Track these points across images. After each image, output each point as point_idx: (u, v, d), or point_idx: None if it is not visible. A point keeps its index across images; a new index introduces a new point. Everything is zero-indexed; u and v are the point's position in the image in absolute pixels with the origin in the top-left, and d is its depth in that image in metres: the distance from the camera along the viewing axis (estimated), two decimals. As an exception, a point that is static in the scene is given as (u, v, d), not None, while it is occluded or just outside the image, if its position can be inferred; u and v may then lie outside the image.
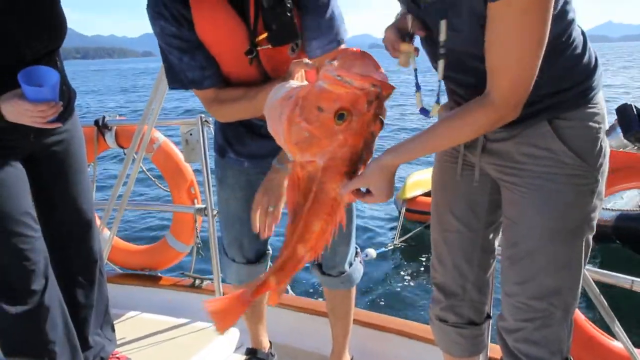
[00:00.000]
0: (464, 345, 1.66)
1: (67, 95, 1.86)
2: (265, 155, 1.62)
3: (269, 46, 1.45)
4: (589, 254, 1.40)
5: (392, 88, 1.07)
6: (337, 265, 1.86)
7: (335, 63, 1.06)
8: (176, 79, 1.54)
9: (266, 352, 2.10)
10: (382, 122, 1.10)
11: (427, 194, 7.17)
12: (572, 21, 1.23)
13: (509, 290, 1.42)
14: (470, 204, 1.51)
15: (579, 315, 1.91)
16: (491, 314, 1.74)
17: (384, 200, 1.21)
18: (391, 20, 1.40)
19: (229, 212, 1.81)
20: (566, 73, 1.26)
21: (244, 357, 2.06)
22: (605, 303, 1.89)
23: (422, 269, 6.39)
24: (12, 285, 1.74)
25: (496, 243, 1.59)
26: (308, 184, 1.15)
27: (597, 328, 2.21)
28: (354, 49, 1.08)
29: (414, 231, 6.85)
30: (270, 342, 2.15)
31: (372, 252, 6.20)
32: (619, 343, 1.96)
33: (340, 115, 1.05)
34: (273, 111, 1.13)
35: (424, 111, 1.34)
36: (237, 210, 1.77)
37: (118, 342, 2.22)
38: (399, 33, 1.32)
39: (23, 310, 1.76)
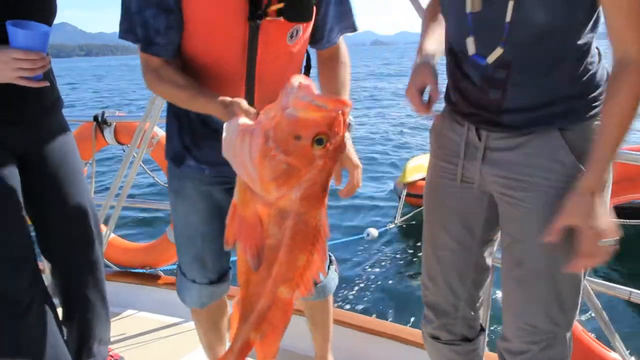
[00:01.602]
0: None
1: (55, 88, 1.79)
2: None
3: (280, 19, 1.35)
4: None
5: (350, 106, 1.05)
6: None
7: (300, 89, 1.01)
8: (129, 29, 1.37)
9: None
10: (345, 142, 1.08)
11: None
12: (596, 32, 1.21)
13: (515, 311, 1.37)
14: (465, 222, 1.45)
15: (577, 326, 1.89)
16: (485, 327, 1.70)
17: (610, 235, 1.18)
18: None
19: (189, 227, 1.63)
20: (586, 77, 1.23)
21: None
22: (606, 316, 1.87)
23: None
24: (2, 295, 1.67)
25: (489, 260, 1.53)
26: (278, 221, 1.06)
27: (595, 340, 2.18)
28: (304, 77, 1.04)
29: (415, 211, 6.89)
30: None
31: (373, 232, 6.25)
32: (617, 355, 1.95)
33: (319, 140, 1.00)
34: (237, 151, 1.04)
35: (479, 57, 1.25)
36: (198, 225, 1.60)
37: (114, 340, 2.20)
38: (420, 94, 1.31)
39: (11, 317, 1.70)
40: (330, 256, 1.84)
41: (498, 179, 1.32)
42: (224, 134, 1.08)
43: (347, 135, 1.19)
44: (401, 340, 2.18)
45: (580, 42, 1.19)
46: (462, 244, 1.47)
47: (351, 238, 6.47)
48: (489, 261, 1.53)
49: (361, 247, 6.52)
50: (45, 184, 1.78)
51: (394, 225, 6.93)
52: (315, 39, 1.52)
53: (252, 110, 1.15)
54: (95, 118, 2.94)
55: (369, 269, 6.07)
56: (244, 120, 1.09)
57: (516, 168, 1.28)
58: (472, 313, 1.57)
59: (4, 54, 1.44)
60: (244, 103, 1.17)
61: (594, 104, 1.24)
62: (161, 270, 3.00)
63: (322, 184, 1.06)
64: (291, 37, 1.41)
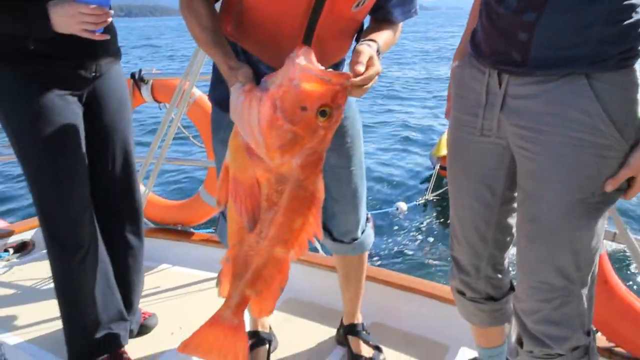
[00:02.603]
0: (483, 317, 1.63)
1: (116, 39, 1.85)
2: None
3: None
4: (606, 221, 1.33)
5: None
6: (350, 232, 1.83)
7: (304, 59, 1.07)
8: None
9: (268, 332, 2.07)
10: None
11: None
12: None
13: (527, 269, 1.35)
14: (485, 179, 1.42)
15: (618, 285, 1.85)
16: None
17: None
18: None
19: None
20: (626, 23, 1.15)
21: (248, 340, 2.04)
22: None
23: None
24: (59, 237, 1.77)
25: (513, 220, 1.49)
26: (277, 185, 1.12)
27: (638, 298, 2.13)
28: (306, 51, 1.09)
29: (446, 187, 6.81)
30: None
31: (402, 206, 6.25)
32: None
33: (322, 112, 1.07)
34: (245, 118, 1.11)
35: None
36: None
37: (148, 293, 2.26)
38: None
39: (73, 262, 1.79)
40: (367, 214, 1.89)
41: (516, 129, 1.28)
42: (231, 97, 1.16)
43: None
44: (433, 297, 2.21)
45: None
46: (482, 202, 1.45)
47: (380, 211, 6.46)
48: (512, 221, 1.49)
49: (390, 220, 6.51)
50: (102, 129, 1.84)
51: (424, 200, 6.90)
52: (376, 9, 1.51)
53: (253, 82, 1.20)
54: (133, 76, 2.98)
55: (396, 243, 6.08)
56: (243, 87, 1.16)
57: (536, 117, 1.24)
58: (497, 274, 1.55)
59: (71, 8, 1.52)
60: (248, 73, 1.22)
61: (629, 54, 1.17)
62: (193, 229, 3.07)
63: (320, 153, 1.13)
64: (357, 5, 1.40)
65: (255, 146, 1.10)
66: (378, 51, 1.35)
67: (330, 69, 1.10)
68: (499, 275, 1.56)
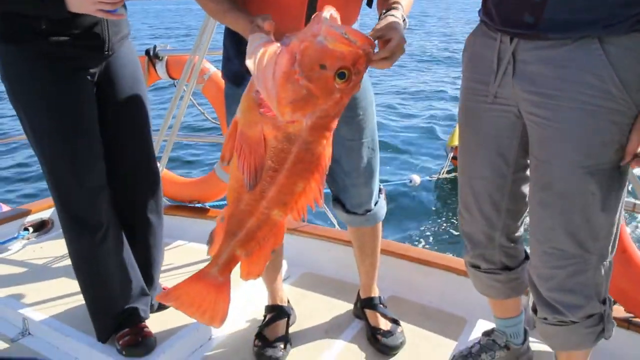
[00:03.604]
0: (500, 288, 1.64)
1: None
2: None
3: None
4: (625, 193, 1.32)
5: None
6: (363, 204, 1.84)
7: (328, 21, 1.03)
8: None
9: (287, 305, 2.09)
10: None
11: None
12: None
13: (540, 235, 1.35)
14: (498, 148, 1.42)
15: (637, 254, 1.83)
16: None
17: None
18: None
19: None
20: None
21: (266, 314, 2.06)
22: None
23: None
24: (79, 216, 1.78)
25: (526, 189, 1.49)
26: (284, 144, 1.08)
27: None
28: (333, 12, 1.05)
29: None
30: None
31: (416, 178, 6.28)
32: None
33: (341, 74, 1.03)
34: (263, 67, 1.05)
35: None
36: None
37: (165, 270, 2.28)
38: None
39: (93, 241, 1.81)
40: (380, 186, 1.88)
41: (527, 95, 1.27)
42: (248, 46, 1.10)
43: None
44: (450, 270, 2.21)
45: None
46: (496, 171, 1.44)
47: (394, 182, 6.48)
48: (525, 190, 1.48)
49: (402, 192, 6.57)
50: (116, 107, 1.83)
51: (437, 177, 6.91)
52: None
53: (273, 25, 1.16)
54: (147, 52, 2.96)
55: (408, 215, 6.15)
56: (270, 37, 1.11)
57: (547, 82, 1.23)
58: (511, 243, 1.56)
59: None
60: (268, 16, 1.18)
61: None
62: (209, 205, 3.08)
63: (332, 117, 1.08)
64: None
65: (267, 98, 1.06)
66: (404, 19, 1.32)
67: (358, 31, 1.06)
68: (513, 244, 1.57)
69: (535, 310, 1.46)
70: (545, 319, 1.41)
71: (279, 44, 1.07)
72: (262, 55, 1.06)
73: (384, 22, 1.26)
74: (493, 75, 1.33)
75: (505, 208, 1.49)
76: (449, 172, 6.96)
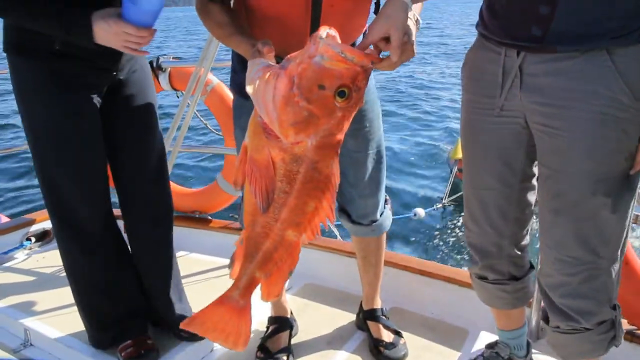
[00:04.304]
0: (507, 299, 1.64)
1: None
2: None
3: None
4: (635, 198, 1.33)
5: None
6: (369, 214, 1.84)
7: (324, 40, 1.02)
8: None
9: (289, 317, 2.08)
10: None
11: None
12: None
13: (552, 243, 1.36)
14: (504, 158, 1.43)
15: (635, 260, 1.84)
16: (534, 265, 1.69)
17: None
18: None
19: None
20: None
21: (269, 326, 2.06)
22: None
23: None
24: (77, 225, 1.78)
25: (532, 197, 1.51)
26: (291, 166, 1.08)
27: None
28: (330, 30, 1.05)
29: (461, 193, 6.73)
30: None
31: (420, 212, 6.18)
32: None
33: (341, 93, 1.03)
34: (261, 92, 1.06)
35: None
36: None
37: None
38: None
39: (87, 252, 1.81)
40: (385, 196, 1.89)
41: (537, 107, 1.28)
42: (247, 72, 1.12)
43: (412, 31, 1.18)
44: (453, 281, 2.21)
45: None
46: (503, 181, 1.45)
47: (398, 217, 6.42)
48: (531, 198, 1.50)
49: (408, 227, 6.45)
50: (125, 119, 1.82)
51: (441, 205, 6.84)
52: None
53: (273, 50, 1.17)
54: (150, 64, 2.97)
55: (414, 249, 6.04)
56: (263, 61, 1.12)
57: (557, 93, 1.24)
58: (518, 252, 1.57)
59: (117, 26, 1.47)
60: (269, 42, 1.19)
61: None
62: (210, 216, 3.08)
63: (337, 136, 1.08)
64: None
65: (269, 122, 1.06)
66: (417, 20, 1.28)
67: (355, 48, 1.06)
68: (520, 253, 1.58)
69: (546, 320, 1.46)
70: (558, 327, 1.41)
71: (278, 67, 1.08)
72: (261, 81, 1.07)
73: (377, 21, 1.20)
74: (498, 88, 1.34)
75: (513, 217, 1.51)
76: (452, 193, 6.87)
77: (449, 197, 6.87)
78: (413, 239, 6.27)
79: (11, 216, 4.14)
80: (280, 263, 1.17)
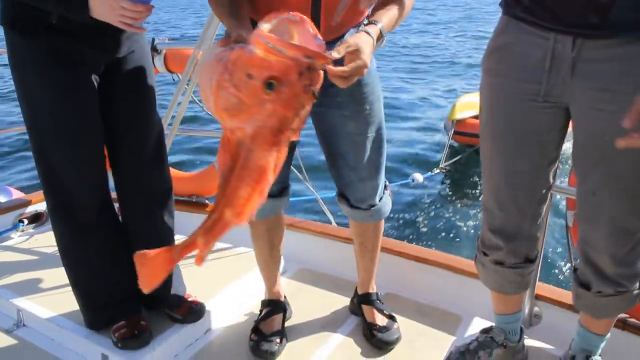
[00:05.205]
0: (519, 282, 1.68)
1: None
2: None
3: None
4: None
5: (327, 59, 1.06)
6: (367, 199, 1.84)
7: (269, 26, 1.03)
8: None
9: (283, 300, 2.09)
10: (314, 94, 1.06)
11: (477, 116, 7.08)
12: None
13: (607, 219, 1.42)
14: (540, 143, 1.46)
15: None
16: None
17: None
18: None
19: None
20: None
21: (262, 309, 2.06)
22: None
23: (469, 192, 6.41)
24: (72, 206, 1.78)
25: (553, 177, 1.56)
26: (237, 148, 1.11)
27: None
28: (293, 13, 1.05)
29: (461, 155, 6.81)
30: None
31: (418, 177, 6.28)
32: None
33: (269, 85, 1.02)
34: (203, 74, 1.10)
35: None
36: None
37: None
38: None
39: (81, 234, 1.81)
40: (385, 182, 1.89)
41: (592, 92, 1.30)
42: (202, 56, 1.13)
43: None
44: (447, 268, 2.21)
45: None
46: (534, 164, 1.50)
47: (396, 183, 6.48)
48: (552, 178, 1.56)
49: (406, 193, 6.53)
50: (123, 100, 1.80)
51: (439, 170, 6.93)
52: None
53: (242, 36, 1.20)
54: (146, 46, 2.94)
55: (412, 215, 6.12)
56: (227, 47, 1.13)
57: (614, 78, 1.26)
58: (537, 233, 1.63)
59: (113, 0, 1.46)
60: (240, 33, 1.21)
61: None
62: (207, 200, 3.07)
63: (271, 128, 1.07)
64: None
65: (207, 105, 1.10)
66: (381, 34, 1.36)
67: (305, 39, 1.06)
68: (538, 234, 1.64)
69: (586, 287, 1.54)
70: (600, 292, 1.51)
71: (224, 54, 1.10)
72: (205, 64, 1.11)
73: (354, 39, 1.27)
74: (544, 74, 1.35)
75: (537, 198, 1.56)
76: (449, 158, 6.97)
77: (445, 161, 6.94)
78: (411, 205, 6.37)
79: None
80: (214, 237, 1.17)
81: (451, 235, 5.69)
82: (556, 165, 1.55)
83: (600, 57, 1.27)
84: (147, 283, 1.23)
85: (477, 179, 6.61)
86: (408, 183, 6.43)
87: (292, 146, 1.79)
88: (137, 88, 1.81)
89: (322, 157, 1.88)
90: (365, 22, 1.42)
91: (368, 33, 1.32)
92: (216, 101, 1.07)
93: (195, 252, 1.19)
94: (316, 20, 1.45)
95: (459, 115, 7.19)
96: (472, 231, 5.67)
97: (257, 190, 1.12)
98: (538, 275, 1.91)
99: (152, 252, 1.22)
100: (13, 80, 1.68)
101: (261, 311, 2.05)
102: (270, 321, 1.99)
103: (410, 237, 5.59)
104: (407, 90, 11.98)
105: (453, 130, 7.13)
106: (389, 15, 1.44)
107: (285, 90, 1.03)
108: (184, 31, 23.35)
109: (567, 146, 1.46)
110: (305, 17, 1.06)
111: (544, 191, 1.57)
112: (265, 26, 1.04)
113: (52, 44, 1.61)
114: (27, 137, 1.75)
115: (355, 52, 1.25)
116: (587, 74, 1.30)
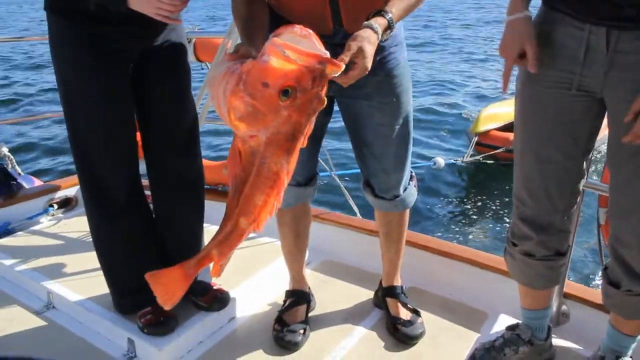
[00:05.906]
0: (549, 276, 1.67)
1: None
2: None
3: None
4: None
5: (339, 66, 1.09)
6: (392, 189, 1.84)
7: (281, 38, 1.06)
8: None
9: (307, 291, 2.09)
10: (323, 99, 1.09)
11: (501, 129, 7.10)
12: None
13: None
14: (572, 132, 1.45)
15: None
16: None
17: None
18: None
19: None
20: None
21: (286, 299, 2.07)
22: None
23: (485, 197, 6.45)
24: (104, 191, 1.80)
25: (585, 170, 1.56)
26: (250, 157, 1.14)
27: None
28: (301, 27, 1.08)
29: (483, 155, 6.84)
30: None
31: (440, 161, 6.35)
32: None
33: (284, 92, 1.05)
34: (216, 86, 1.13)
35: None
36: None
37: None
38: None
39: (106, 220, 1.84)
40: (411, 172, 1.89)
41: (630, 84, 1.30)
42: (211, 70, 1.15)
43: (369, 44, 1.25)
44: (474, 264, 2.19)
45: None
46: (567, 155, 1.49)
47: (418, 164, 6.54)
48: (585, 171, 1.55)
49: (427, 175, 6.70)
50: (157, 89, 1.81)
51: (461, 160, 6.99)
52: None
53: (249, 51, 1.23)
54: (177, 34, 2.95)
55: (430, 201, 6.24)
56: (231, 61, 1.18)
57: None
58: (567, 224, 1.61)
59: None
60: (245, 50, 1.24)
61: None
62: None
63: (286, 134, 1.11)
64: None
65: (220, 115, 1.13)
66: (389, 25, 1.33)
67: (313, 49, 1.07)
68: (570, 227, 1.63)
69: (616, 285, 1.52)
70: (630, 290, 1.49)
71: (236, 66, 1.13)
72: (218, 77, 1.14)
73: (357, 42, 1.25)
74: (578, 64, 1.36)
75: (570, 190, 1.56)
76: (472, 155, 7.02)
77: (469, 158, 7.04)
78: (431, 187, 6.54)
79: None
80: (231, 247, 1.21)
81: (460, 224, 5.77)
82: (589, 158, 1.54)
83: (635, 49, 1.27)
84: (166, 300, 1.25)
85: (495, 184, 6.67)
86: (430, 166, 6.48)
87: (318, 137, 1.79)
88: (173, 75, 1.83)
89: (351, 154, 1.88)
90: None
91: (372, 28, 1.29)
92: (231, 111, 1.09)
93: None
94: (336, 13, 1.48)
95: (482, 127, 7.18)
96: (478, 228, 5.75)
97: (271, 197, 1.16)
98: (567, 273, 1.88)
99: (163, 272, 1.25)
100: (52, 64, 1.72)
101: (285, 301, 2.05)
102: (294, 311, 1.99)
103: (429, 223, 5.63)
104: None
105: (476, 140, 7.12)
106: (402, 5, 1.40)
107: (299, 97, 1.07)
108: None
109: (603, 148, 1.44)
110: (311, 31, 1.09)
111: (576, 184, 1.56)
112: (276, 39, 1.07)
113: (89, 30, 1.63)
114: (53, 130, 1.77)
115: (358, 56, 1.24)
116: (622, 66, 1.30)
